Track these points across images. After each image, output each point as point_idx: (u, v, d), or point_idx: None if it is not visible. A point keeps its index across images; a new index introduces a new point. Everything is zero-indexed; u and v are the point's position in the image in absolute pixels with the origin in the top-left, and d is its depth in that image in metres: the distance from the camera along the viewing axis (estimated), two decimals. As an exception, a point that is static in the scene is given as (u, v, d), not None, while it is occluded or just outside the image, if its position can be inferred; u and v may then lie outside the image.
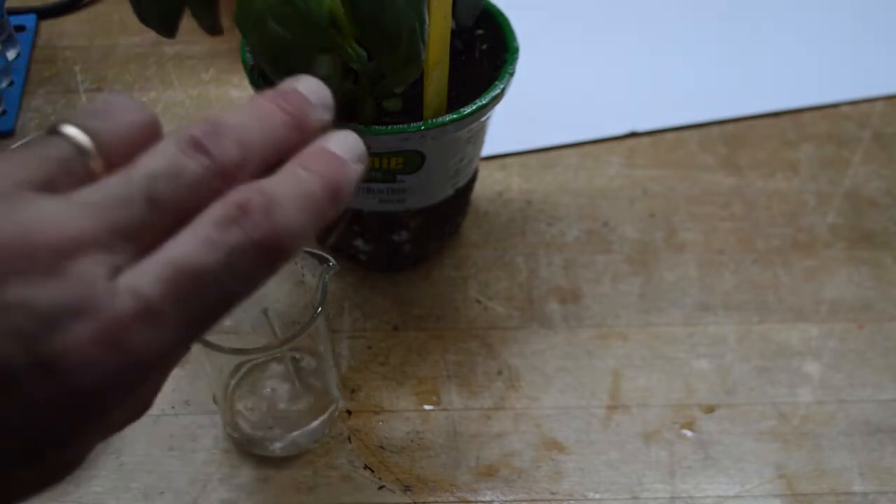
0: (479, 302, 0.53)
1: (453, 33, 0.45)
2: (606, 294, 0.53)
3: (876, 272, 0.55)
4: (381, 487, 0.45)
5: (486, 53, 0.48)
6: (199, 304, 0.23)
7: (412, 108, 0.45)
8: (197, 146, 0.25)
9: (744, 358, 0.51)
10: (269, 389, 0.47)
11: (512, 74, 0.46)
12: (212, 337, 0.41)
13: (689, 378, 0.50)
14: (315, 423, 0.46)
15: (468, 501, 0.45)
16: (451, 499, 0.45)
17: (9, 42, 0.66)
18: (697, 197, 0.59)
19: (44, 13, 0.71)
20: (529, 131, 0.63)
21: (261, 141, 0.26)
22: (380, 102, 0.45)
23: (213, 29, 0.39)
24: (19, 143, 0.53)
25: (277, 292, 0.45)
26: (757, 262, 0.56)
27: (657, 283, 0.54)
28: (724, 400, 0.49)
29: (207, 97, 0.65)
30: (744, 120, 0.65)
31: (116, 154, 0.25)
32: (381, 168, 0.45)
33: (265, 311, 0.45)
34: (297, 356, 0.48)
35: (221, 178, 0.24)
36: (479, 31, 0.49)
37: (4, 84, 0.65)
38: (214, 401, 0.46)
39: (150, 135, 0.26)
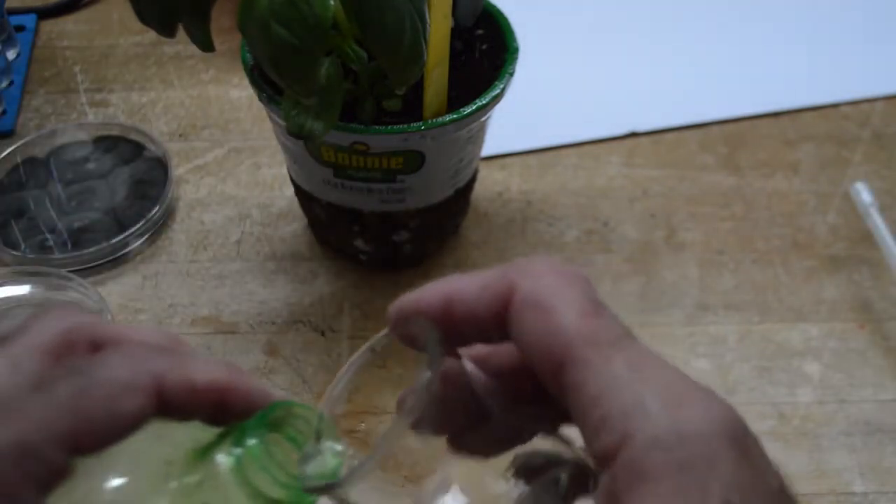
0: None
1: (453, 33, 0.45)
2: (606, 294, 0.53)
3: (876, 272, 0.55)
4: (381, 487, 0.45)
5: (486, 53, 0.48)
6: None
7: (412, 108, 0.45)
8: None
9: (744, 358, 0.51)
10: None
11: (512, 74, 0.46)
12: None
13: (689, 378, 0.50)
14: None
15: (468, 501, 0.45)
16: (452, 499, 0.45)
17: (9, 42, 0.66)
18: (697, 197, 0.59)
19: (44, 13, 0.71)
20: (529, 131, 0.63)
21: None
22: (380, 102, 0.45)
23: (204, 45, 0.39)
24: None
25: None
26: (757, 262, 0.56)
27: (657, 283, 0.54)
28: (724, 400, 0.49)
29: (207, 97, 0.65)
30: (744, 120, 0.65)
31: None
32: (381, 168, 0.45)
33: None
34: None
35: None
36: (479, 31, 0.49)
37: (4, 84, 0.65)
38: None
39: None
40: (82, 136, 0.61)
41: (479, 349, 0.27)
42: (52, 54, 0.68)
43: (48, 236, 0.55)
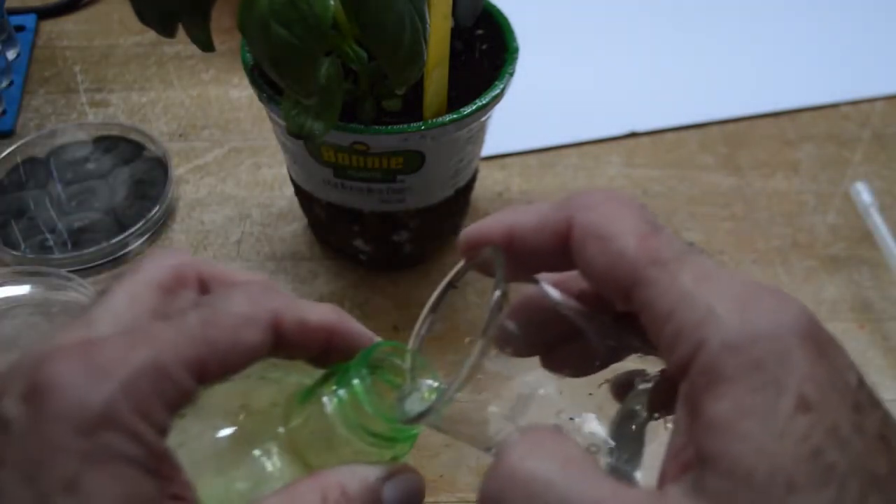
0: (478, 302, 0.53)
1: (453, 33, 0.45)
2: (606, 294, 0.53)
3: (876, 272, 0.55)
4: (381, 487, 0.45)
5: (486, 53, 0.48)
6: None
7: (412, 108, 0.45)
8: None
9: (744, 358, 0.51)
10: None
11: (512, 74, 0.46)
12: None
13: (689, 378, 0.50)
14: None
15: (468, 501, 0.45)
16: (451, 499, 0.45)
17: (9, 42, 0.66)
18: (697, 197, 0.59)
19: (44, 13, 0.71)
20: (529, 131, 0.63)
21: None
22: (380, 102, 0.45)
23: (205, 45, 0.39)
24: None
25: None
26: (757, 262, 0.56)
27: (657, 283, 0.54)
28: (724, 400, 0.49)
29: (207, 97, 0.65)
30: (744, 120, 0.65)
31: None
32: (381, 168, 0.45)
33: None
34: None
35: None
36: (479, 31, 0.49)
37: (4, 84, 0.65)
38: None
39: None
40: (82, 136, 0.61)
41: (561, 274, 0.27)
42: (52, 54, 0.68)
43: (48, 236, 0.55)
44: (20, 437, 0.22)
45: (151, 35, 0.46)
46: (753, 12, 0.74)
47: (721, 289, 0.22)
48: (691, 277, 0.22)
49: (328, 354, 0.28)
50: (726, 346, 0.21)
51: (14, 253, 0.53)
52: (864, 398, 0.21)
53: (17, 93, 0.64)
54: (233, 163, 0.61)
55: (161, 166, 0.58)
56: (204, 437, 0.28)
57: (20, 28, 0.69)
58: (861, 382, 0.22)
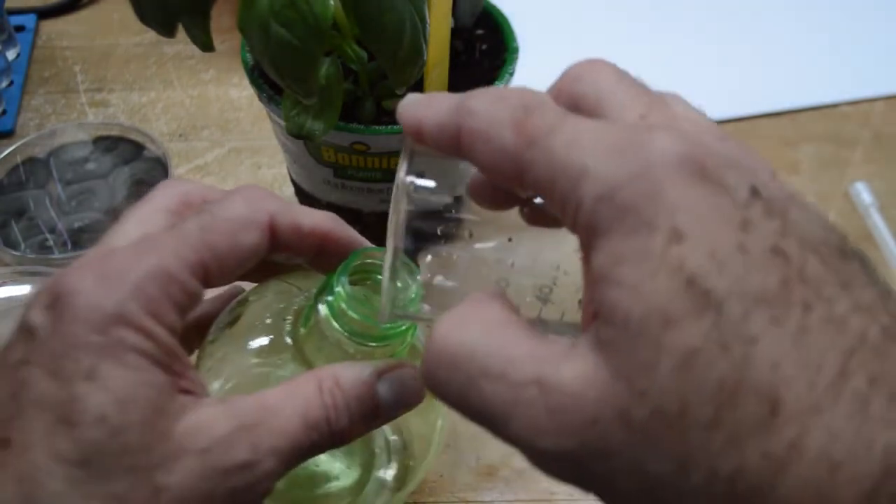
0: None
1: (453, 33, 0.45)
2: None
3: (876, 272, 0.55)
4: (381, 487, 0.45)
5: (486, 53, 0.48)
6: None
7: (412, 108, 0.45)
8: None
9: (744, 358, 0.51)
10: None
11: (512, 74, 0.46)
12: None
13: (689, 378, 0.50)
14: None
15: (468, 501, 0.45)
16: (451, 499, 0.45)
17: (9, 42, 0.66)
18: (697, 197, 0.59)
19: (44, 13, 0.71)
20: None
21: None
22: (380, 102, 0.45)
23: (204, 45, 0.39)
24: None
25: None
26: (757, 262, 0.56)
27: (657, 283, 0.54)
28: (724, 400, 0.49)
29: (207, 97, 0.65)
30: (744, 120, 0.65)
31: None
32: (381, 168, 0.45)
33: None
34: None
35: None
36: (479, 31, 0.49)
37: (4, 84, 0.65)
38: None
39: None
40: (82, 136, 0.61)
41: None
42: (52, 54, 0.68)
43: (48, 236, 0.55)
44: (44, 340, 0.24)
45: (151, 35, 0.46)
46: (753, 12, 0.74)
47: (594, 144, 0.21)
48: (563, 143, 0.22)
49: (324, 259, 0.30)
50: (599, 199, 0.21)
51: (14, 253, 0.53)
52: (756, 213, 0.20)
53: (17, 93, 0.64)
54: (233, 163, 0.61)
55: (161, 166, 0.58)
56: (232, 343, 0.31)
57: (20, 28, 0.69)
58: (755, 195, 0.20)
